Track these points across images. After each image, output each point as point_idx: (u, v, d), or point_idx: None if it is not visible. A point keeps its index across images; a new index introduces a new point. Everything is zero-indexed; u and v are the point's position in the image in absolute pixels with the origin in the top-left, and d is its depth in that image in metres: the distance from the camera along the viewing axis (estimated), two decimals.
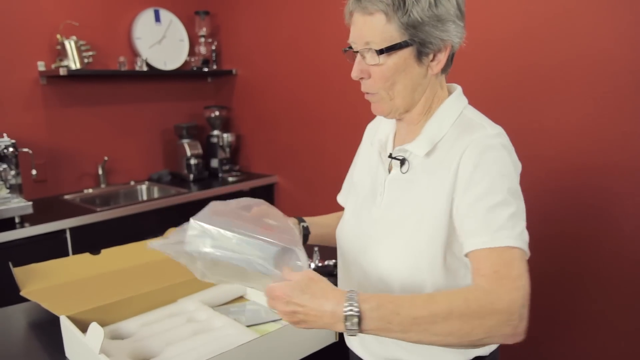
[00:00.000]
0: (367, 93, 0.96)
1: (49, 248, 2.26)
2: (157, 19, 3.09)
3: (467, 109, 0.98)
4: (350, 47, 0.95)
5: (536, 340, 2.03)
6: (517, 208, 0.85)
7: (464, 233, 0.86)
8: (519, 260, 0.81)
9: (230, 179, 3.14)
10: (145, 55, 3.00)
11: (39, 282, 1.41)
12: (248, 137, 3.37)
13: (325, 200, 3.01)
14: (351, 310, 0.76)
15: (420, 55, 0.90)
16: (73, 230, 2.34)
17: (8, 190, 2.29)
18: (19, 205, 2.22)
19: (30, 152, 2.42)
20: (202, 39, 3.26)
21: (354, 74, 0.94)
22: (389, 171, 1.01)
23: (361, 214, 1.05)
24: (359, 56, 0.92)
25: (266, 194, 3.22)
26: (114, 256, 1.58)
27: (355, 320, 0.75)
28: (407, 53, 0.89)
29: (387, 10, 0.86)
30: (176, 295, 1.34)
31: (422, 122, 0.98)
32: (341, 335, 1.21)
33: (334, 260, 1.64)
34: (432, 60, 0.91)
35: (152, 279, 1.41)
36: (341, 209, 1.23)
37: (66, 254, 2.33)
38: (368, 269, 0.99)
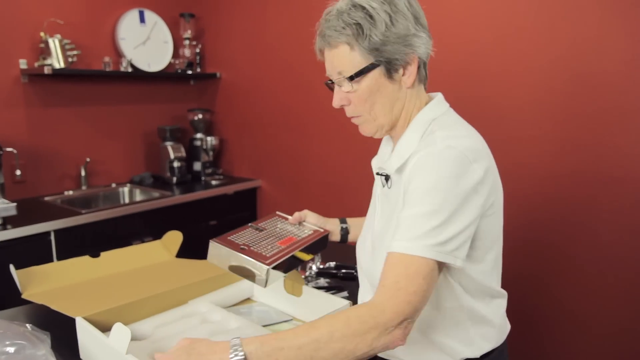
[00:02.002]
0: (353, 117, 1.02)
1: (33, 250, 2.21)
2: (142, 20, 3.06)
3: (437, 120, 0.98)
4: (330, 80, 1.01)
5: (523, 342, 2.11)
6: (447, 219, 0.85)
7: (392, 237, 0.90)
8: (424, 274, 0.83)
9: (213, 182, 3.13)
10: (130, 56, 2.96)
11: (41, 284, 1.38)
12: (231, 141, 3.37)
13: (308, 205, 3.03)
14: (236, 355, 0.79)
15: (390, 73, 0.95)
16: (58, 232, 2.29)
17: None
18: (3, 206, 2.15)
19: (15, 152, 2.36)
20: (187, 42, 3.25)
21: (335, 103, 1.01)
22: (383, 186, 1.07)
23: (369, 225, 1.12)
24: (336, 86, 0.99)
25: (249, 198, 3.22)
26: (114, 259, 1.56)
27: None
28: (376, 74, 0.95)
29: (348, 40, 0.93)
30: (186, 297, 1.34)
31: (400, 137, 1.02)
32: None
33: (334, 262, 1.66)
34: (403, 75, 0.96)
35: (158, 281, 1.40)
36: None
37: (50, 256, 2.27)
38: (370, 278, 1.06)
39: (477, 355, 1.01)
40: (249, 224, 1.27)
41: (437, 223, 0.85)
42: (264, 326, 1.27)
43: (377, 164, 1.11)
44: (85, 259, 1.52)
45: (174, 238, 1.70)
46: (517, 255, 2.06)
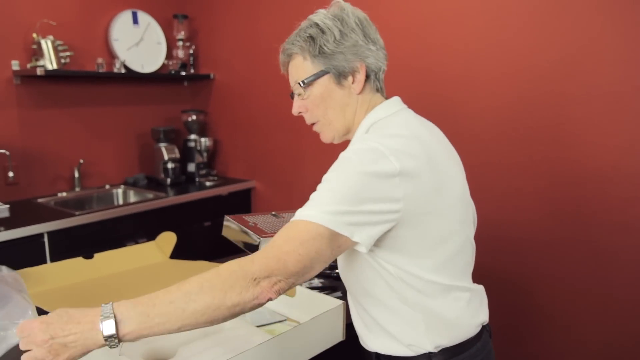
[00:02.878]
0: (312, 125, 1.13)
1: (26, 252, 2.20)
2: (135, 21, 3.06)
3: (378, 123, 1.04)
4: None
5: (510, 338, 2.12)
6: (343, 194, 0.87)
7: None
8: (302, 238, 0.84)
9: (208, 183, 3.13)
10: (123, 58, 2.96)
11: (35, 286, 1.38)
12: (225, 142, 3.37)
13: (302, 206, 3.03)
14: (107, 318, 0.76)
15: (339, 79, 1.04)
16: (51, 234, 2.29)
17: None
18: None
19: (8, 153, 2.35)
20: (180, 43, 3.24)
21: (294, 110, 1.12)
22: None
23: None
24: (295, 95, 1.10)
25: (243, 199, 3.22)
26: (108, 260, 1.57)
27: (112, 324, 0.76)
28: (326, 80, 1.05)
29: (302, 50, 1.05)
30: None
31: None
32: (349, 334, 1.25)
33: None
34: (352, 82, 1.05)
35: (152, 282, 1.41)
36: None
37: (44, 258, 2.27)
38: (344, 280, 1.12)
39: (434, 349, 1.00)
40: (272, 212, 1.34)
41: (330, 195, 0.87)
42: (258, 326, 1.27)
43: None
44: (79, 260, 1.53)
45: (168, 239, 1.71)
46: (490, 252, 2.08)
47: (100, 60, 2.84)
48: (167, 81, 3.33)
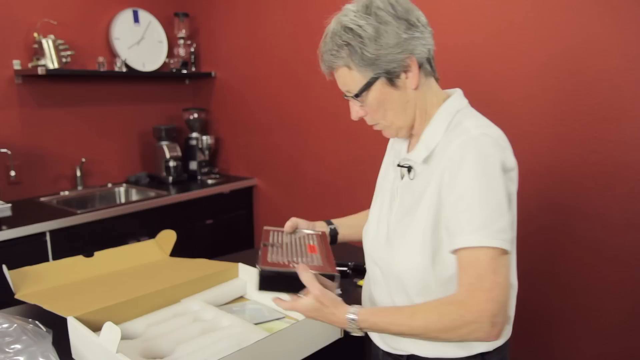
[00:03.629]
0: (373, 125, 1.07)
1: (28, 251, 2.21)
2: (136, 19, 3.06)
3: (461, 112, 1.02)
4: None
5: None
6: (495, 207, 0.88)
7: (448, 234, 0.93)
8: (493, 269, 0.86)
9: (209, 181, 3.13)
10: (124, 56, 2.96)
11: (34, 284, 1.39)
12: (227, 140, 3.37)
13: (304, 203, 3.04)
14: (353, 311, 0.95)
15: (392, 81, 0.98)
16: (53, 232, 2.29)
17: None
18: None
19: (9, 152, 2.36)
20: (181, 41, 3.24)
21: (353, 116, 1.06)
22: (402, 178, 1.08)
23: (382, 218, 1.11)
24: (351, 101, 1.04)
25: (245, 196, 3.22)
26: (107, 258, 1.57)
27: (355, 315, 0.95)
28: (379, 85, 0.98)
29: (344, 62, 0.98)
30: (178, 295, 1.35)
31: (422, 131, 1.05)
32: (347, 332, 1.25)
33: None
34: (406, 79, 0.98)
35: (151, 280, 1.41)
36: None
37: (46, 257, 2.28)
38: (385, 268, 1.06)
39: (491, 348, 1.02)
40: (262, 244, 1.19)
41: (489, 212, 0.88)
42: (256, 324, 1.27)
43: (391, 157, 1.15)
44: (79, 258, 1.53)
45: (168, 237, 1.71)
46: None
47: (101, 59, 2.84)
48: (168, 79, 3.33)
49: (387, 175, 1.16)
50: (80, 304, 1.22)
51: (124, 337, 1.19)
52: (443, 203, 0.94)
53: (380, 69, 0.96)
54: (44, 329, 1.16)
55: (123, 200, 3.00)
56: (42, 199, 2.67)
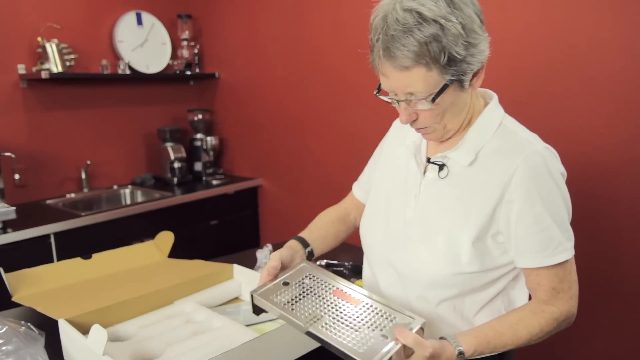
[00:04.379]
0: (419, 129, 0.98)
1: (33, 253, 2.23)
2: (139, 22, 3.08)
3: (505, 118, 1.01)
4: (379, 91, 0.96)
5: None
6: (566, 219, 0.95)
7: (516, 250, 0.96)
8: (569, 270, 0.96)
9: (214, 182, 3.14)
10: (128, 59, 2.98)
11: (31, 287, 1.40)
12: (231, 141, 3.38)
13: (309, 203, 3.04)
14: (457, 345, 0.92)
15: (463, 83, 0.90)
16: (57, 235, 2.32)
17: None
18: (2, 210, 2.18)
19: (13, 156, 2.39)
20: (185, 42, 3.26)
21: (404, 121, 0.95)
22: (424, 173, 1.04)
23: (393, 213, 1.07)
24: (402, 104, 0.92)
25: (250, 197, 3.23)
26: (105, 260, 1.57)
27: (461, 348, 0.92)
28: (451, 89, 0.89)
29: (426, 62, 0.84)
30: (172, 297, 1.35)
31: (460, 131, 1.00)
32: None
33: (325, 260, 1.66)
34: (472, 80, 0.92)
35: (146, 282, 1.41)
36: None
37: (51, 259, 2.30)
38: (401, 269, 1.03)
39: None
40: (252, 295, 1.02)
41: (565, 227, 0.95)
42: (249, 325, 1.27)
43: (420, 150, 1.06)
44: (77, 260, 1.54)
45: (166, 238, 1.71)
46: None
47: (104, 62, 2.87)
48: (172, 81, 3.34)
49: (398, 168, 1.10)
50: (74, 306, 1.23)
51: (116, 339, 1.20)
52: (508, 220, 0.94)
53: (461, 72, 0.87)
54: (37, 332, 1.17)
55: (129, 201, 3.02)
56: (48, 202, 2.70)
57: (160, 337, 1.15)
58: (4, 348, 1.04)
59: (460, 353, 0.89)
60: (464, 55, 0.85)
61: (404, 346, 0.84)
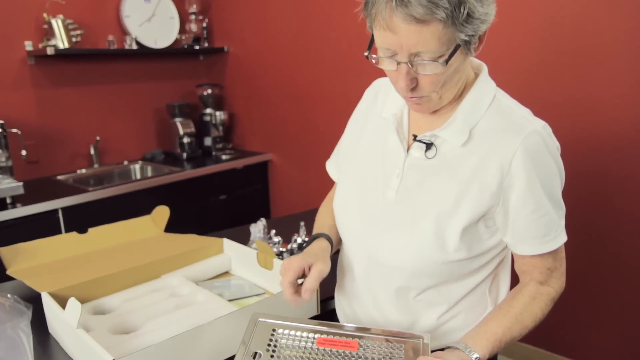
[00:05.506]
0: (413, 97, 0.87)
1: (41, 228, 2.27)
2: None
3: (498, 91, 0.93)
4: (368, 54, 0.84)
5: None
6: (558, 197, 0.91)
7: (514, 236, 0.91)
8: (561, 248, 0.94)
9: (224, 157, 3.14)
10: (135, 34, 2.97)
11: (26, 261, 1.42)
12: (241, 115, 3.36)
13: (319, 177, 3.01)
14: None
15: (468, 46, 0.81)
16: (65, 210, 2.36)
17: None
18: (10, 185, 2.22)
19: (19, 132, 2.42)
20: (193, 16, 3.23)
21: (404, 87, 0.83)
22: (407, 150, 0.94)
23: (370, 193, 0.98)
24: (404, 66, 0.81)
25: (260, 171, 3.22)
26: (101, 235, 1.58)
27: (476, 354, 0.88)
28: (460, 50, 0.80)
29: (446, 16, 0.74)
30: (160, 271, 1.35)
31: (449, 107, 0.92)
32: (324, 308, 1.23)
33: None
34: (475, 45, 0.83)
35: (137, 256, 1.41)
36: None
37: (59, 233, 2.34)
38: (380, 257, 0.95)
39: None
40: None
41: (560, 205, 0.91)
42: (235, 300, 1.27)
43: (402, 124, 0.97)
44: (72, 235, 1.55)
45: (162, 213, 1.71)
46: None
47: (111, 37, 2.86)
48: (181, 56, 3.33)
49: (373, 143, 1.01)
50: (61, 280, 1.24)
51: (100, 312, 1.21)
52: (507, 206, 0.88)
53: (472, 32, 0.78)
54: (24, 305, 1.19)
55: (139, 177, 3.05)
56: (58, 178, 2.74)
57: (141, 310, 1.15)
58: None
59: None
60: (481, 13, 0.77)
61: None
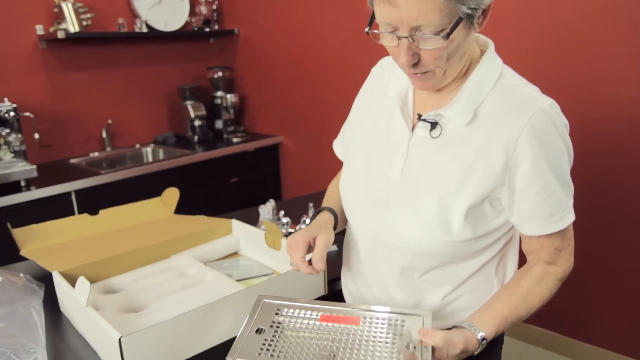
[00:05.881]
0: (416, 73, 0.85)
1: (54, 210, 2.30)
2: None
3: (504, 69, 0.91)
4: (369, 30, 0.83)
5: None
6: (567, 175, 0.89)
7: (521, 217, 0.89)
8: (569, 228, 0.92)
9: (235, 139, 3.14)
10: (145, 17, 2.97)
11: (38, 241, 1.44)
12: (252, 98, 3.35)
13: (330, 160, 3.00)
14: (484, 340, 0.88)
15: (472, 20, 0.79)
16: (78, 192, 2.38)
17: (12, 155, 2.32)
18: (24, 168, 2.25)
19: (32, 116, 2.44)
20: None
21: (406, 62, 0.81)
22: (412, 130, 0.93)
23: (375, 173, 0.97)
24: (405, 41, 0.79)
25: (271, 154, 3.22)
26: (112, 216, 1.60)
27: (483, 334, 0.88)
28: (461, 26, 0.78)
29: None
30: (169, 251, 1.36)
31: (454, 85, 0.90)
32: (331, 288, 1.23)
33: None
34: (479, 20, 0.81)
35: (146, 236, 1.43)
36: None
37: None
38: (385, 236, 0.94)
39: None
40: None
41: (568, 185, 0.90)
42: (244, 280, 1.28)
43: (407, 103, 0.96)
44: (83, 216, 1.57)
45: (172, 195, 1.73)
46: None
47: (121, 20, 2.86)
48: (191, 39, 3.32)
49: (379, 122, 1.00)
50: (72, 260, 1.26)
51: (110, 291, 1.22)
52: (512, 187, 0.86)
53: (475, 4, 0.77)
54: (36, 284, 1.21)
55: (150, 159, 3.07)
56: (72, 161, 2.77)
57: (150, 290, 1.17)
58: None
59: (483, 339, 0.86)
60: None
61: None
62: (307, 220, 1.63)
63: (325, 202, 1.13)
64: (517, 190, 0.87)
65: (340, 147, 1.17)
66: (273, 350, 0.80)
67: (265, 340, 0.82)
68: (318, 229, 0.98)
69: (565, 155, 0.88)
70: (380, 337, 0.82)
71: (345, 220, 1.08)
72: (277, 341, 0.82)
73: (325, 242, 0.95)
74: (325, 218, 1.05)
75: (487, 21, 0.83)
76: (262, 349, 0.80)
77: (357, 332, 0.83)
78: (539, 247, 0.92)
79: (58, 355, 1.01)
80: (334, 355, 0.79)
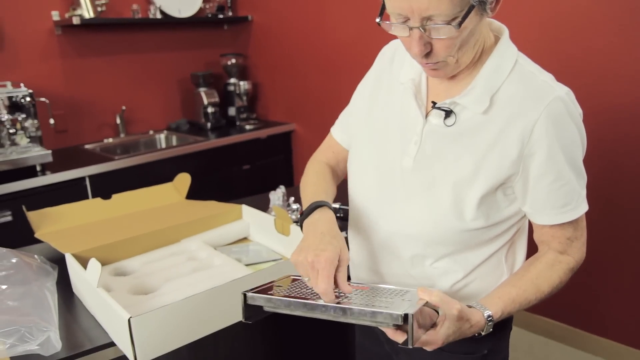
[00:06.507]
0: (428, 63, 0.84)
1: (69, 195, 2.33)
2: None
3: (520, 56, 0.89)
4: (380, 20, 0.83)
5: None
6: (580, 164, 0.88)
7: (534, 206, 0.89)
8: (582, 218, 0.92)
9: (248, 127, 3.15)
10: (159, 3, 2.97)
11: (52, 224, 1.47)
12: (265, 85, 3.35)
13: None
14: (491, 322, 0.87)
15: (484, 6, 0.78)
16: (92, 177, 2.42)
17: (28, 140, 2.35)
18: (39, 153, 2.28)
19: (47, 101, 2.47)
20: None
21: (418, 53, 0.80)
22: (425, 117, 0.92)
23: (387, 160, 0.95)
24: (416, 31, 0.78)
25: (283, 141, 3.23)
26: (124, 201, 1.62)
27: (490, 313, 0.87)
28: (473, 14, 0.77)
29: None
30: (180, 235, 1.38)
31: (468, 72, 0.89)
32: None
33: (339, 204, 1.64)
34: (492, 6, 0.80)
35: (158, 221, 1.45)
36: None
37: None
38: (396, 225, 0.94)
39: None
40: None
41: (582, 175, 0.89)
42: (252, 264, 1.29)
43: (420, 90, 0.94)
44: (97, 200, 1.59)
45: (184, 180, 1.74)
46: None
47: (135, 6, 2.87)
48: (205, 25, 3.32)
49: (391, 108, 0.98)
50: (85, 242, 1.28)
51: (120, 274, 1.24)
52: (527, 175, 0.86)
53: None
54: (49, 265, 1.24)
55: (164, 146, 3.09)
56: (86, 147, 2.80)
57: (160, 273, 1.18)
58: (13, 278, 1.10)
59: (489, 317, 0.85)
60: None
61: (430, 317, 0.78)
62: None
63: (315, 192, 1.03)
64: (531, 179, 0.86)
65: (341, 133, 1.16)
66: (284, 294, 0.83)
67: (280, 291, 0.84)
68: (339, 239, 0.88)
69: (579, 145, 0.87)
70: (381, 299, 0.81)
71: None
72: (291, 291, 0.84)
73: (347, 260, 0.85)
74: (333, 218, 0.94)
75: (499, 6, 0.81)
76: (275, 294, 0.83)
77: (361, 295, 0.83)
78: (551, 236, 0.92)
79: (70, 335, 1.03)
80: (345, 295, 0.81)
